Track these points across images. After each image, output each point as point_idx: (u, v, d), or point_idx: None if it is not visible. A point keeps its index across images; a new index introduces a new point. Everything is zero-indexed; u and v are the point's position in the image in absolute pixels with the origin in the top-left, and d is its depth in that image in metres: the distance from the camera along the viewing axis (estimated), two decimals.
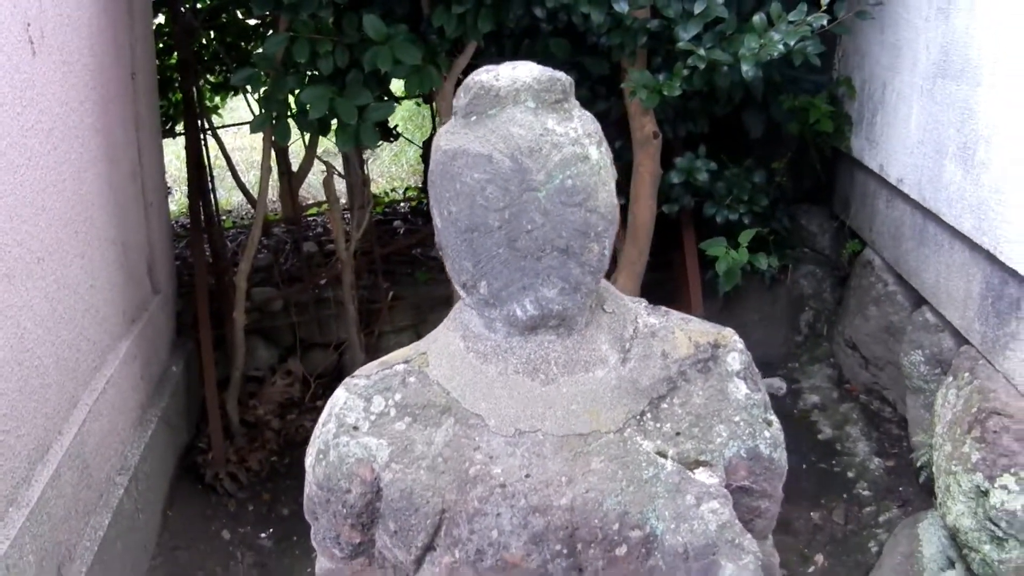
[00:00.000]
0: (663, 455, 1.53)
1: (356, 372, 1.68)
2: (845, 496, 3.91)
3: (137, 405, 3.81)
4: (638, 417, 1.55)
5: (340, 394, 1.65)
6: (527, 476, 1.51)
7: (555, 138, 1.44)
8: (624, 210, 4.16)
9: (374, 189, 6.46)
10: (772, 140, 4.40)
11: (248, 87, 4.09)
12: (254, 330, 4.80)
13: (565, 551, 1.52)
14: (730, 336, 1.65)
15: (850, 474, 4.01)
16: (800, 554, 3.67)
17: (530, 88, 1.46)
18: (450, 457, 1.54)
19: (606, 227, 1.47)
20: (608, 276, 4.23)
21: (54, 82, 3.06)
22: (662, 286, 4.65)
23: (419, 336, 4.97)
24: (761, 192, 4.26)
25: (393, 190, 6.92)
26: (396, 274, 5.10)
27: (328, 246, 5.31)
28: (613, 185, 1.51)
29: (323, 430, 1.63)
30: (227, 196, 6.80)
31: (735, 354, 1.63)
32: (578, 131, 1.47)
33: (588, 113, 1.53)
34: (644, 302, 1.69)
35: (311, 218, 6.09)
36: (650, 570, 1.52)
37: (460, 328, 1.62)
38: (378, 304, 4.89)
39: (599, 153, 1.48)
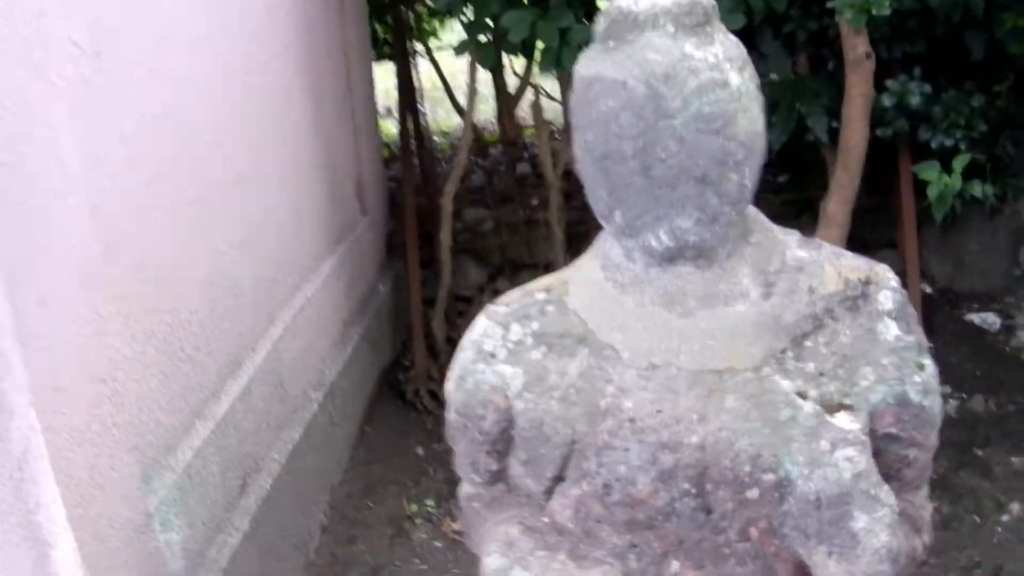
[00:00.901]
0: (803, 396, 1.43)
1: (498, 299, 1.65)
2: None
3: (339, 323, 3.90)
4: (778, 355, 1.45)
5: (480, 321, 1.62)
6: (658, 411, 1.45)
7: (693, 63, 1.35)
8: (836, 133, 3.99)
9: None
10: (996, 62, 4.09)
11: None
12: (465, 250, 4.85)
13: (694, 491, 1.45)
14: (883, 273, 1.53)
15: None
16: (996, 501, 3.47)
17: (669, 12, 1.37)
18: (582, 388, 1.49)
19: (746, 155, 1.38)
20: (818, 200, 4.12)
21: (254, 11, 3.11)
22: (877, 212, 4.47)
23: None
24: (980, 116, 3.99)
25: None
26: None
27: None
28: (757, 112, 1.41)
29: (462, 356, 1.61)
30: (447, 118, 6.85)
31: (887, 292, 1.51)
32: (718, 56, 1.37)
33: (733, 37, 1.44)
34: (797, 234, 1.58)
35: (528, 139, 6.08)
36: (783, 515, 1.43)
37: (601, 257, 1.56)
38: (586, 225, 4.85)
39: (740, 79, 1.38)
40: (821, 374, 1.46)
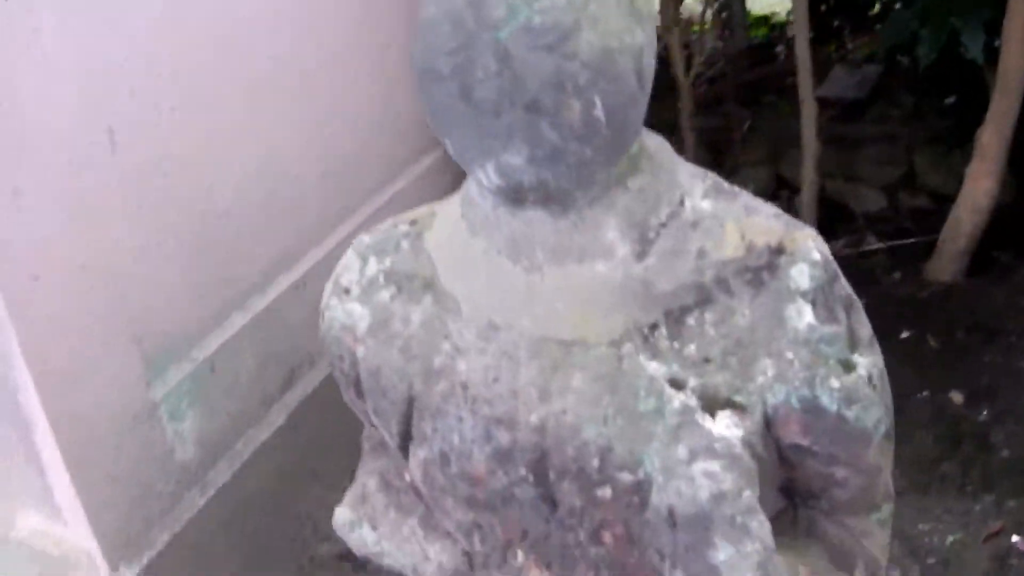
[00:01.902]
0: (678, 385, 1.11)
1: (376, 227, 1.38)
2: None
3: None
4: (646, 331, 1.13)
5: (348, 251, 1.37)
6: (495, 380, 1.16)
7: None
8: (996, 53, 3.46)
9: (767, 10, 5.84)
10: None
11: None
12: None
13: (532, 478, 1.17)
14: (803, 240, 1.14)
15: None
16: None
17: None
18: (423, 341, 1.22)
19: (591, 79, 1.03)
20: (972, 130, 3.59)
21: None
22: None
23: (776, 173, 4.53)
24: None
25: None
26: (761, 104, 4.58)
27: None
28: (619, 23, 1.05)
29: (326, 287, 1.38)
30: None
31: (804, 267, 1.12)
32: None
33: None
34: (710, 179, 1.22)
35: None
36: (643, 525, 1.14)
37: (464, 190, 1.27)
38: (728, 133, 4.45)
39: None
40: (706, 360, 1.12)
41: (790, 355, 1.11)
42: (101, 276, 2.17)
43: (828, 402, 1.11)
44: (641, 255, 1.14)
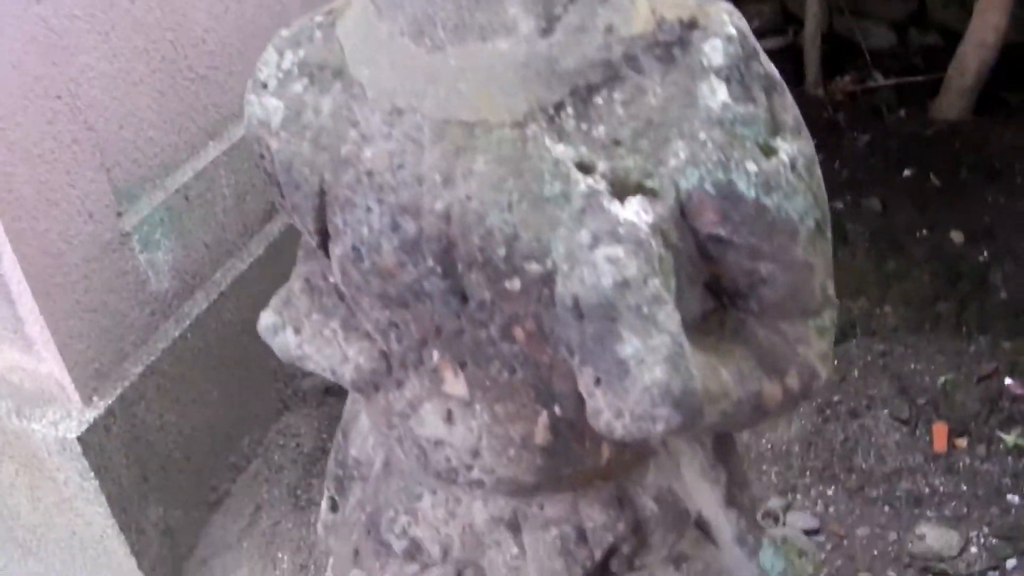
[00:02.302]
0: (587, 168, 1.05)
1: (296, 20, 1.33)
2: None
3: None
4: (551, 111, 1.06)
5: (268, 45, 1.31)
6: (399, 166, 1.11)
7: None
8: None
9: None
10: None
11: None
12: None
13: (440, 270, 1.13)
14: (717, 14, 1.06)
15: None
16: None
17: None
18: (331, 131, 1.17)
19: None
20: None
21: None
22: None
23: (782, 6, 4.41)
24: None
25: None
26: None
27: None
28: None
29: (247, 85, 1.31)
30: None
31: (718, 42, 1.05)
32: None
33: None
34: None
35: None
36: (553, 320, 1.09)
37: None
38: None
39: None
40: (616, 143, 1.06)
41: (703, 136, 1.04)
42: (66, 103, 2.12)
43: (744, 187, 1.05)
44: (546, 32, 1.07)
